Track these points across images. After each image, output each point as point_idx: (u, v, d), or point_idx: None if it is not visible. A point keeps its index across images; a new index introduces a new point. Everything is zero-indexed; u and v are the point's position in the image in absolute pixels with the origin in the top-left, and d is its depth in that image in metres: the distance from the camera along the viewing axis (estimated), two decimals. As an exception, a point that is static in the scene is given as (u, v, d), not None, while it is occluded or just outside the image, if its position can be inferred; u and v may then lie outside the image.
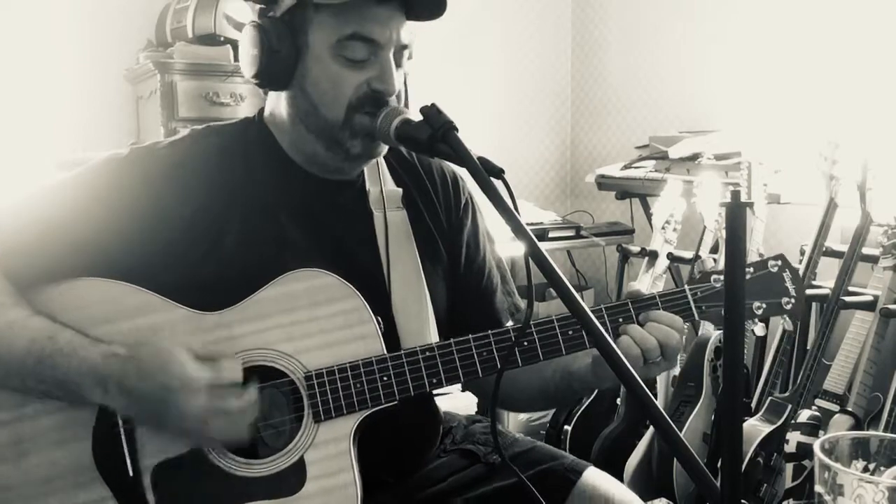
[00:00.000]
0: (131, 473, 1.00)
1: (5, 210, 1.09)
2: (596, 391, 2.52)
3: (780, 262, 1.14)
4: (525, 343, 1.07)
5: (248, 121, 1.22)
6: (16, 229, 1.07)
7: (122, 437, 1.01)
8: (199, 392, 0.95)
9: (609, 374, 1.10)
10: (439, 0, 1.09)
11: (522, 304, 1.34)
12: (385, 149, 1.16)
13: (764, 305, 1.12)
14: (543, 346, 1.07)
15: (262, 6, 1.12)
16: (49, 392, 1.00)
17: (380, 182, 1.21)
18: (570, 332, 1.07)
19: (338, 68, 1.08)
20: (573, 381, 1.16)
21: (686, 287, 1.11)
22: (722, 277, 1.10)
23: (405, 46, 1.11)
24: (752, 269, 1.13)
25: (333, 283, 1.06)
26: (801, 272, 2.19)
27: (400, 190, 1.23)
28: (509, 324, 1.31)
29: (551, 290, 0.94)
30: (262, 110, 1.21)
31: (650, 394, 0.77)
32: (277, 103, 1.16)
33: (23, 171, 2.87)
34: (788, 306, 1.13)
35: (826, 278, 2.21)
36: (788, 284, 1.13)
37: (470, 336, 1.06)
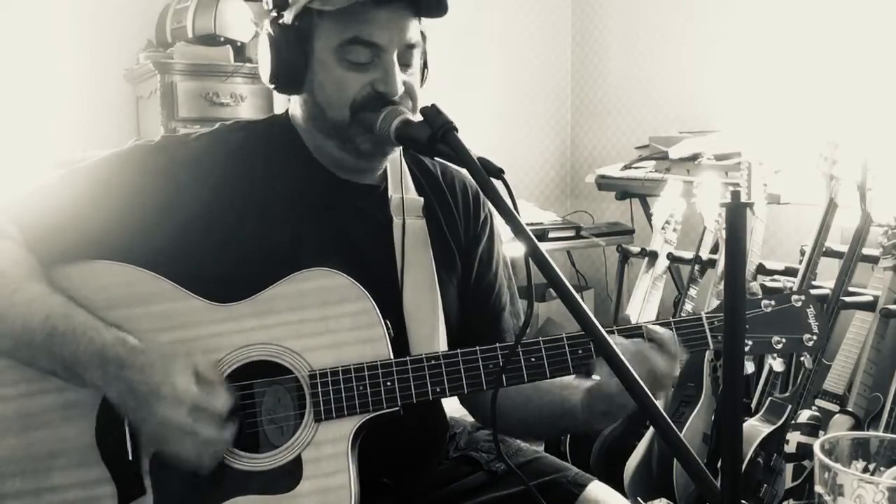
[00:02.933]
0: (131, 457, 1.01)
1: (35, 190, 1.12)
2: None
3: (804, 297, 1.09)
4: (532, 359, 1.06)
5: (276, 118, 1.23)
6: (44, 209, 1.09)
7: (126, 419, 1.02)
8: (182, 406, 0.96)
9: (602, 411, 1.09)
10: (439, 1, 1.09)
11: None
12: (395, 150, 1.16)
13: (783, 340, 1.08)
14: (551, 363, 1.06)
15: (274, 14, 1.13)
16: (54, 369, 1.01)
17: (402, 189, 1.21)
18: (580, 352, 1.07)
19: (342, 72, 1.09)
20: (564, 416, 1.15)
21: (703, 315, 1.09)
22: None
23: (412, 45, 1.11)
24: (773, 302, 1.09)
25: (345, 285, 1.06)
26: (801, 272, 2.19)
27: (421, 199, 1.23)
28: None
29: (551, 290, 0.94)
30: (289, 108, 1.22)
31: (650, 394, 0.77)
32: (295, 105, 1.19)
33: (23, 171, 2.87)
34: (810, 343, 1.08)
35: (826, 278, 2.21)
36: (812, 321, 1.08)
37: (477, 348, 1.06)
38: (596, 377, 1.07)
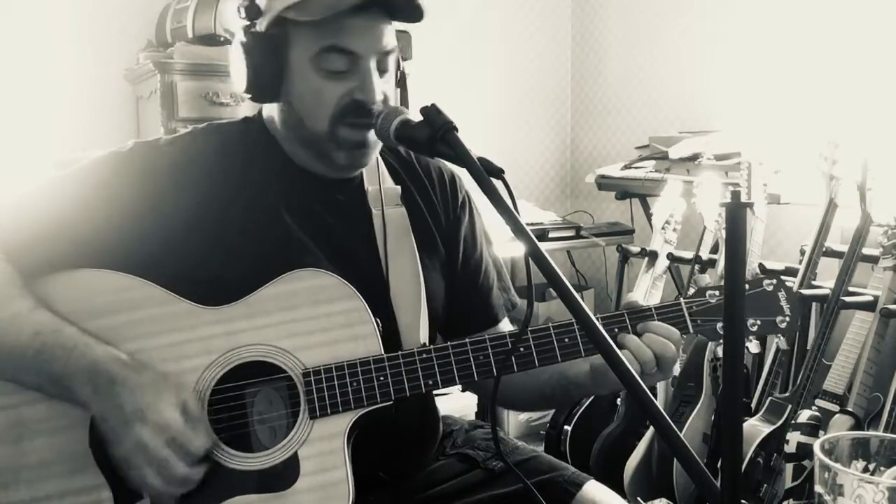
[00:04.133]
0: None
1: (11, 202, 1.11)
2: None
3: (775, 282, 1.15)
4: (521, 349, 1.08)
5: (249, 120, 1.23)
6: (21, 220, 1.09)
7: (104, 434, 1.00)
8: (163, 435, 0.96)
9: (606, 381, 1.12)
10: (415, 7, 1.09)
11: (519, 300, 1.34)
12: (372, 159, 1.17)
13: (759, 322, 1.14)
14: (539, 353, 1.08)
15: (247, 22, 1.13)
16: (42, 386, 1.01)
17: (378, 180, 1.22)
18: (567, 340, 1.08)
19: (319, 81, 1.09)
20: (570, 386, 1.18)
21: (682, 300, 1.12)
22: (717, 293, 1.12)
23: (389, 52, 1.12)
24: (746, 287, 1.13)
25: (335, 283, 1.07)
26: (801, 272, 2.19)
27: (398, 188, 1.24)
28: (506, 321, 1.32)
29: (551, 290, 0.94)
30: (262, 110, 1.22)
31: (650, 394, 0.78)
32: (272, 110, 1.19)
33: (23, 171, 2.87)
34: (783, 325, 1.14)
35: (826, 278, 2.21)
36: (783, 303, 1.14)
37: (467, 340, 1.08)
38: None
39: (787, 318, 1.14)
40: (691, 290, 2.50)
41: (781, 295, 1.14)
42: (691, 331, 1.11)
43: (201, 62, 2.97)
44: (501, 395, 1.27)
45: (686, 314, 1.11)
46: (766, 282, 1.15)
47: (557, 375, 1.19)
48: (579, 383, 1.16)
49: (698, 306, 1.12)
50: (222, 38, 2.99)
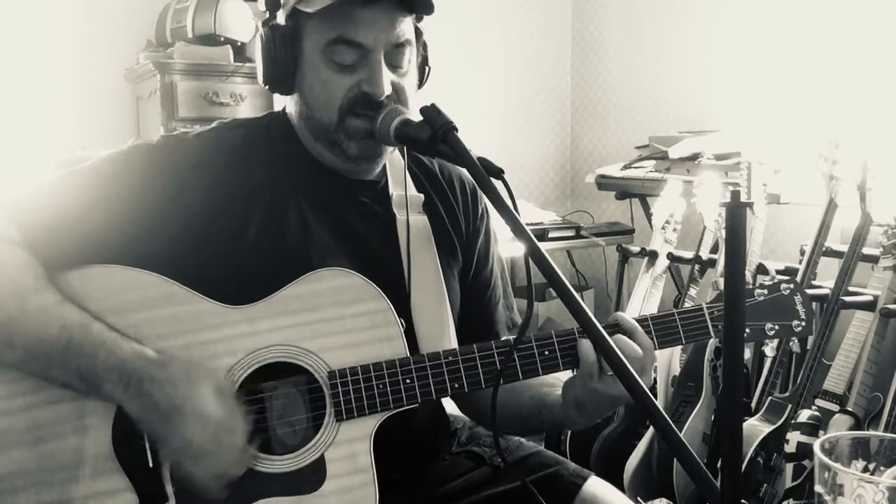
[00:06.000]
0: (151, 464, 1.00)
1: (34, 194, 1.09)
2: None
3: (792, 286, 1.16)
4: (546, 353, 1.08)
5: (274, 116, 1.23)
6: (46, 210, 1.07)
7: (145, 434, 1.00)
8: (208, 426, 0.95)
9: (585, 411, 1.10)
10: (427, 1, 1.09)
11: (520, 320, 1.34)
12: (387, 150, 1.16)
13: (776, 327, 1.15)
14: (563, 356, 1.08)
15: (267, 15, 1.14)
16: (70, 382, 0.99)
17: (404, 186, 1.21)
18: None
19: (329, 73, 1.09)
20: (544, 411, 1.17)
21: (704, 305, 1.12)
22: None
23: (401, 45, 1.11)
24: (765, 292, 1.15)
25: (360, 284, 1.06)
26: (801, 272, 2.19)
27: (421, 196, 1.23)
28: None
29: (551, 290, 0.94)
30: (285, 105, 1.22)
31: (650, 394, 0.78)
32: (290, 104, 1.18)
33: (23, 171, 2.87)
34: (799, 329, 1.15)
35: (826, 278, 2.21)
36: (800, 307, 1.16)
37: (492, 342, 1.08)
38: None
39: (804, 323, 1.15)
40: (693, 291, 2.52)
41: (797, 299, 1.15)
42: (712, 335, 1.12)
43: (201, 62, 2.97)
44: (478, 412, 1.28)
45: (708, 319, 1.12)
46: (783, 286, 1.16)
47: (536, 399, 1.18)
48: (554, 410, 1.15)
49: (720, 311, 1.12)
50: (222, 38, 2.99)
